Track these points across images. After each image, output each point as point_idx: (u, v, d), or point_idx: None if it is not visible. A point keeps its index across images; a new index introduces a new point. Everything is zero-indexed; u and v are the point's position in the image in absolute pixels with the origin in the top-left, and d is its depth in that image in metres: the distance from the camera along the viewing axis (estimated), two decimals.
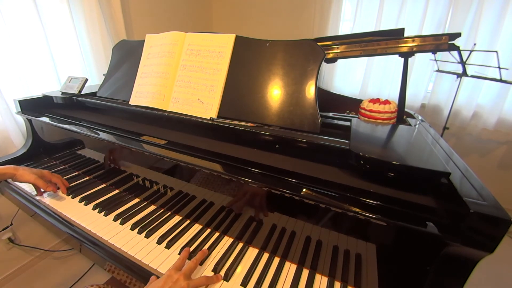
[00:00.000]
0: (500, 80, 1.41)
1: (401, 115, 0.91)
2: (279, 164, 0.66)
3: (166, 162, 0.79)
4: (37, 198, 0.93)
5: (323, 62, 0.78)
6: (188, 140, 0.83)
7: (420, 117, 1.04)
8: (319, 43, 0.79)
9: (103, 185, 1.01)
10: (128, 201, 0.92)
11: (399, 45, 0.88)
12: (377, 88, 2.09)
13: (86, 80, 1.18)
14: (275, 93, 0.80)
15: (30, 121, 1.16)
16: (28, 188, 0.99)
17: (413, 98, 1.99)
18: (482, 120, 1.83)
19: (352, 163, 0.60)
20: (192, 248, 0.71)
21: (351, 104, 1.22)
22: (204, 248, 0.71)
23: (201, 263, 0.67)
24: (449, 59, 1.60)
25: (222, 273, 0.64)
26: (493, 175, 1.96)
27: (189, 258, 0.68)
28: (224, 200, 0.73)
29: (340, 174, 0.63)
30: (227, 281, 0.63)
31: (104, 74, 1.16)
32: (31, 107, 1.15)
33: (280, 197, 0.62)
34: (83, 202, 0.90)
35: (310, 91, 0.76)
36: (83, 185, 1.00)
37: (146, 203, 0.90)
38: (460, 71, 1.56)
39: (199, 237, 0.76)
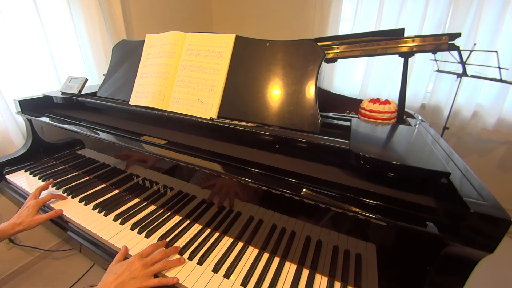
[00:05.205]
0: (500, 80, 1.41)
1: (401, 115, 0.91)
2: (279, 164, 0.66)
3: (166, 162, 0.79)
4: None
5: (323, 62, 0.78)
6: (188, 140, 0.83)
7: (420, 117, 1.04)
8: (319, 43, 0.79)
9: (103, 185, 1.01)
10: (128, 201, 0.91)
11: (399, 45, 0.88)
12: (377, 88, 2.09)
13: (86, 80, 1.18)
14: (275, 93, 0.80)
15: (30, 121, 1.16)
16: (28, 188, 1.00)
17: (413, 98, 1.98)
18: (482, 120, 1.83)
19: (352, 163, 0.60)
20: (192, 248, 0.71)
21: (351, 104, 1.22)
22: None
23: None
24: (449, 59, 1.60)
25: (222, 273, 0.64)
26: (493, 175, 1.96)
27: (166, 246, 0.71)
28: (224, 200, 0.73)
29: (340, 174, 0.63)
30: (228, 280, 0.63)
31: (104, 74, 1.16)
32: (31, 107, 1.15)
33: (280, 197, 0.62)
34: (83, 202, 0.90)
35: (310, 91, 0.76)
36: (83, 185, 1.00)
37: (146, 203, 0.90)
38: (460, 71, 1.56)
39: (199, 237, 0.76)
